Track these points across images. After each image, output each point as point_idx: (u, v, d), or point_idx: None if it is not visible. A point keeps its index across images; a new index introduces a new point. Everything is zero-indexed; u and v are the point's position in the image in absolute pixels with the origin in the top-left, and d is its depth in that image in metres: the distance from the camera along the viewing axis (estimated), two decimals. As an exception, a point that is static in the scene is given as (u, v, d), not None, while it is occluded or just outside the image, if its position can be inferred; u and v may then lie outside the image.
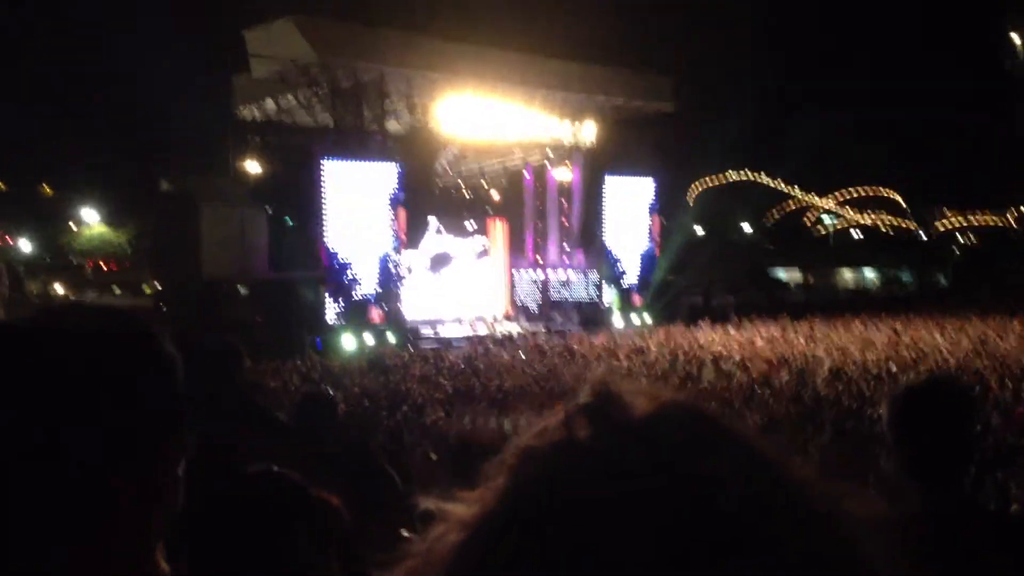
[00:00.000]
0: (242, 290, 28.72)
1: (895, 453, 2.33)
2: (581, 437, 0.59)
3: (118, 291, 43.99)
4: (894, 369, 17.59)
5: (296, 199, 27.86)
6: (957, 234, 71.33)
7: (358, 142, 27.88)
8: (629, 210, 34.89)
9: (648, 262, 35.61)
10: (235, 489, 1.64)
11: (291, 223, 29.13)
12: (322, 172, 26.43)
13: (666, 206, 39.02)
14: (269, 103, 29.99)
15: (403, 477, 5.12)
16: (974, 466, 2.46)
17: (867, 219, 73.30)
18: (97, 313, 1.18)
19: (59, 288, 44.55)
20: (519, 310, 33.85)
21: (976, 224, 69.21)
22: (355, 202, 27.05)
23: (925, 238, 71.23)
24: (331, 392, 5.83)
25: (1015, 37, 44.14)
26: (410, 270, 29.55)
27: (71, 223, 54.63)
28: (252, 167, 30.92)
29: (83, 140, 55.47)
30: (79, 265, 51.79)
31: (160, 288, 31.14)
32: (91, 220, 53.61)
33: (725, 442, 0.59)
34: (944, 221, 72.47)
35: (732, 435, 0.60)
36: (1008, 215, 66.20)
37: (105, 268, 51.76)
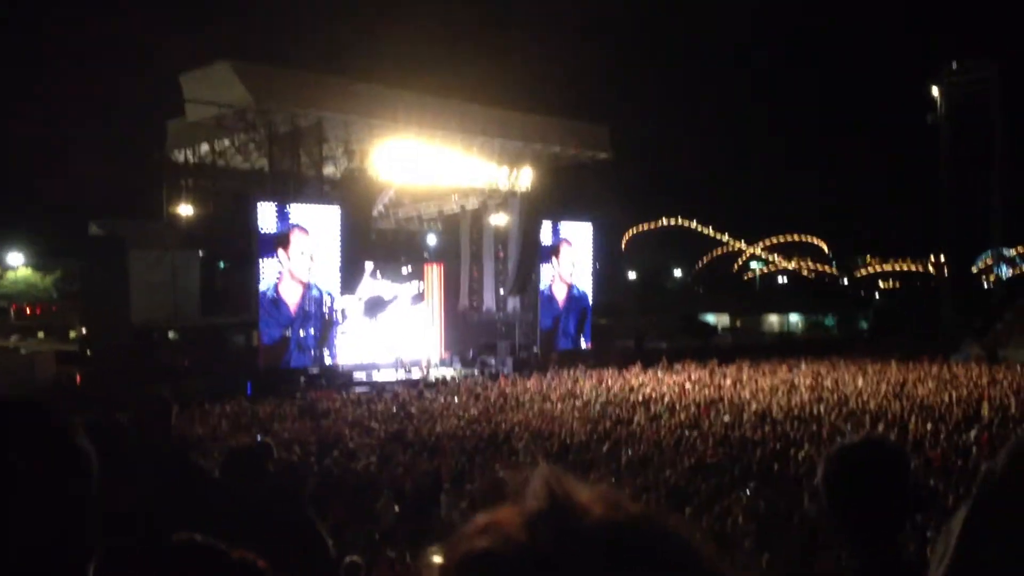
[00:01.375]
0: (172, 335, 28.37)
1: (830, 513, 2.26)
2: (540, 546, 0.58)
3: (42, 335, 42.96)
4: (818, 412, 18.13)
5: (229, 242, 27.71)
6: (879, 280, 73.33)
7: (294, 186, 27.86)
8: (565, 254, 35.35)
9: (582, 306, 36.04)
10: (157, 565, 1.67)
11: (223, 266, 28.98)
12: (257, 215, 26.27)
13: (601, 251, 39.62)
14: (204, 147, 29.87)
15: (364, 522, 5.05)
16: (909, 525, 2.44)
17: (792, 265, 75.03)
18: (15, 409, 1.17)
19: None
20: (453, 354, 33.91)
21: (896, 270, 71.27)
22: (292, 245, 26.89)
23: (847, 283, 73.05)
24: (261, 441, 5.75)
25: (935, 91, 45.88)
26: (345, 314, 29.48)
27: (-5, 266, 53.36)
28: (185, 211, 30.71)
29: (10, 181, 54.43)
30: (3, 309, 50.45)
31: (87, 333, 30.57)
32: (16, 263, 52.40)
33: (679, 557, 0.61)
34: (866, 267, 74.51)
35: (685, 552, 0.61)
36: (927, 262, 68.33)
37: (29, 312, 50.51)
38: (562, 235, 35.24)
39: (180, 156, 30.79)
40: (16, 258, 52.72)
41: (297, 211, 27.01)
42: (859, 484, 2.23)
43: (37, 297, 50.76)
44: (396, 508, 10.87)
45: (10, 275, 52.29)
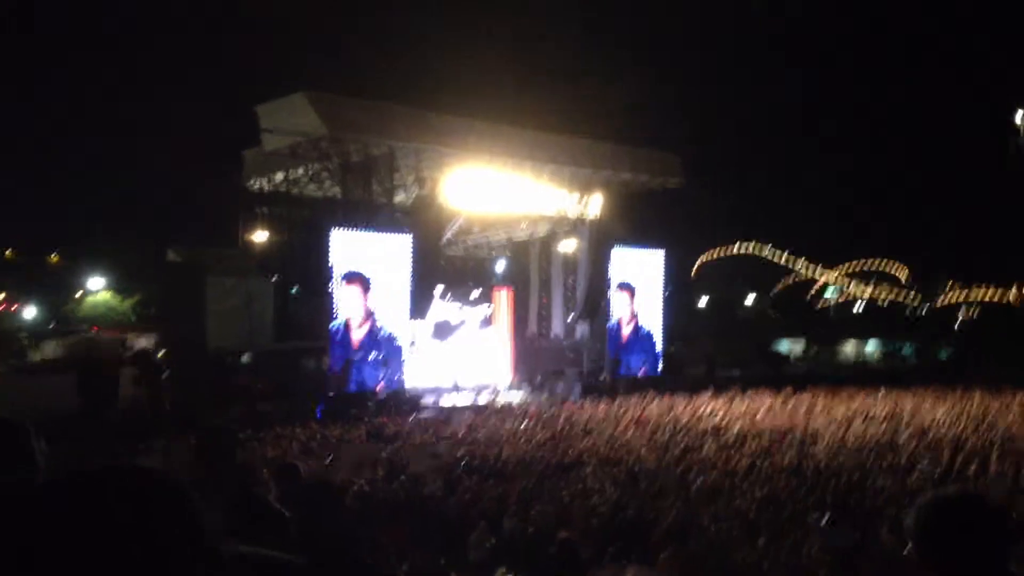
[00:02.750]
0: (245, 359, 28.87)
1: (921, 562, 2.25)
2: None
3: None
4: (895, 442, 17.64)
5: (302, 269, 28.19)
6: (961, 308, 71.39)
7: (367, 213, 28.23)
8: (635, 282, 35.18)
9: (653, 334, 35.79)
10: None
11: (297, 293, 29.44)
12: (330, 242, 26.67)
13: (672, 278, 39.32)
14: (279, 175, 30.48)
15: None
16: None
17: (870, 292, 73.46)
18: (132, 476, 1.28)
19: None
20: (521, 379, 33.92)
21: (978, 299, 69.30)
22: (363, 272, 27.25)
23: (926, 311, 71.28)
24: (328, 484, 5.57)
25: (1020, 115, 44.82)
26: (414, 340, 29.71)
27: (78, 291, 55.05)
28: (260, 238, 31.33)
29: (93, 209, 56.28)
30: (84, 331, 52.01)
31: (164, 356, 31.33)
32: (97, 288, 54.05)
33: None
34: (947, 294, 72.62)
35: None
36: (1010, 289, 66.34)
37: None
38: (633, 261, 35.04)
39: (256, 185, 31.47)
40: (97, 282, 54.39)
41: (367, 239, 27.30)
42: (953, 540, 2.21)
43: (116, 320, 52.22)
44: (492, 540, 10.79)
45: (90, 299, 53.96)
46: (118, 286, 53.93)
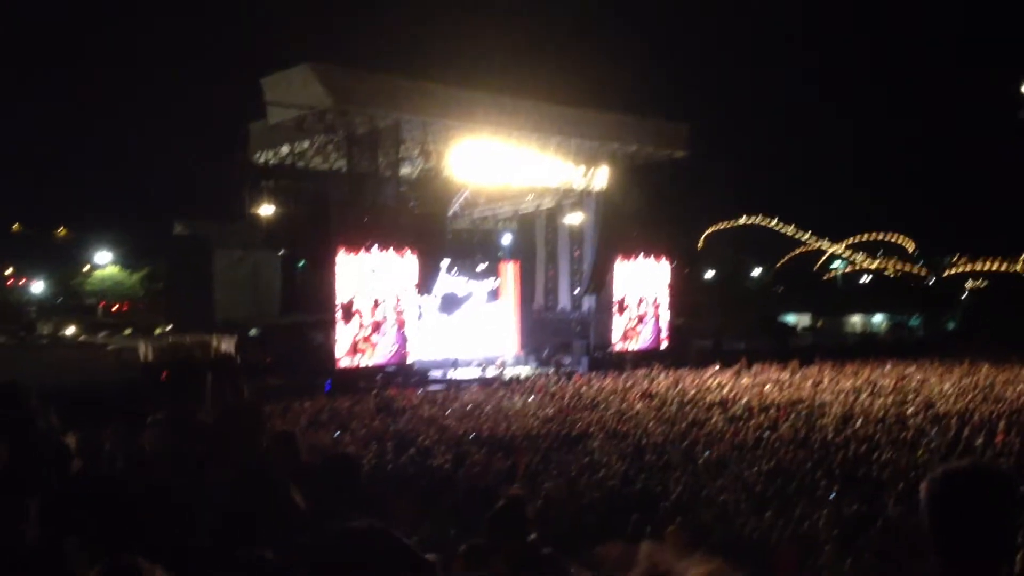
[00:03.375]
0: (253, 332, 28.95)
1: (931, 536, 2.24)
2: None
3: (128, 332, 44.31)
4: (902, 414, 17.67)
5: (309, 242, 28.16)
6: (967, 279, 71.26)
7: (372, 186, 28.15)
8: (642, 255, 35.18)
9: (660, 307, 35.81)
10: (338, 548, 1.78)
11: (303, 267, 29.45)
12: (336, 218, 26.69)
13: (679, 251, 39.26)
14: (284, 148, 30.38)
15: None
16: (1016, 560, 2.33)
17: (876, 264, 73.35)
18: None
19: (72, 329, 44.89)
20: (528, 352, 33.98)
21: (985, 269, 69.14)
22: (368, 248, 27.22)
23: (933, 283, 71.16)
24: (349, 458, 5.24)
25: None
26: (421, 313, 29.74)
27: (85, 265, 55.15)
28: (266, 211, 31.31)
29: (100, 184, 56.32)
30: (91, 306, 52.14)
31: (172, 330, 31.42)
32: (104, 262, 54.12)
33: None
34: (953, 266, 72.48)
35: None
36: (1018, 260, 66.16)
37: (116, 309, 52.07)
38: (640, 236, 34.97)
39: (261, 158, 31.37)
40: (104, 257, 54.50)
41: (373, 214, 27.27)
42: (965, 513, 2.21)
43: (124, 295, 52.37)
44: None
45: (98, 273, 54.09)
46: (125, 260, 54.00)
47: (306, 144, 29.75)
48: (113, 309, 51.91)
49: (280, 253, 29.85)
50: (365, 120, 27.73)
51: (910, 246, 75.91)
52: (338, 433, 16.08)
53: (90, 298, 52.80)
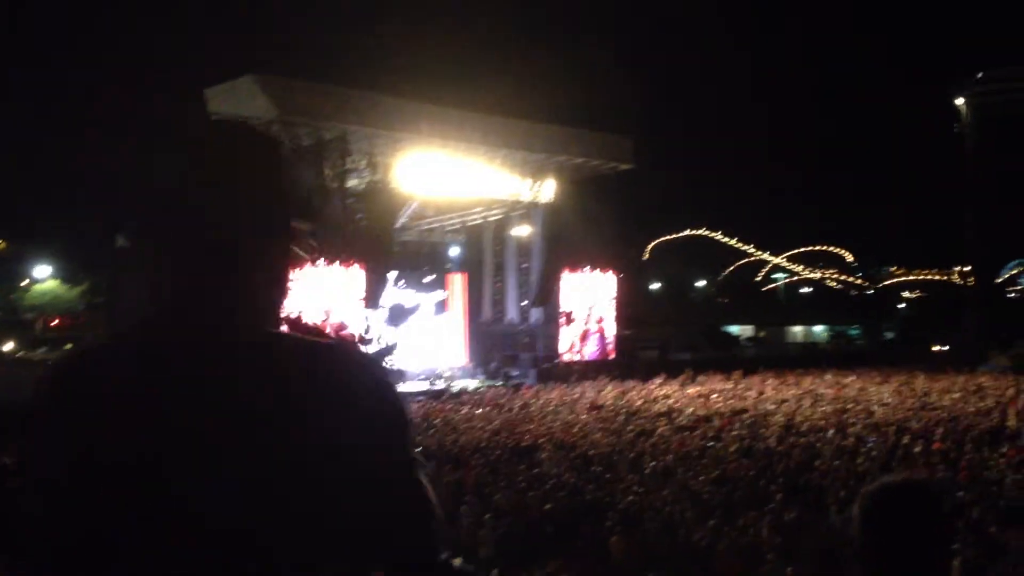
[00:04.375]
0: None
1: (862, 551, 2.22)
2: None
3: (69, 347, 43.50)
4: (843, 423, 18.04)
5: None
6: (904, 290, 72.86)
7: (318, 199, 28.00)
8: (588, 267, 35.41)
9: (606, 319, 36.07)
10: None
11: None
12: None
13: (625, 264, 39.61)
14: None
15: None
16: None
17: (817, 275, 74.65)
18: None
19: (9, 345, 43.88)
20: (476, 364, 34.00)
21: (921, 280, 70.76)
22: (315, 260, 27.06)
23: (871, 294, 72.58)
24: None
25: (960, 101, 45.73)
26: (368, 326, 29.61)
27: (24, 279, 53.85)
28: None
29: (40, 196, 55.09)
30: (30, 321, 50.94)
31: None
32: (44, 276, 52.90)
33: None
34: (891, 278, 74.03)
35: None
36: (953, 272, 67.82)
37: (56, 324, 50.93)
38: (586, 247, 35.21)
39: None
40: (44, 270, 53.32)
41: (320, 229, 27.16)
42: (895, 530, 2.21)
43: (64, 309, 51.23)
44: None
45: (37, 287, 52.89)
46: (65, 274, 52.86)
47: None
48: (52, 324, 50.80)
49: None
50: (311, 132, 27.60)
51: (849, 257, 77.44)
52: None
53: (28, 313, 51.60)
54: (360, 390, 1.47)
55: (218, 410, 1.38)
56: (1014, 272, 60.59)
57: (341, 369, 1.49)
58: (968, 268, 47.70)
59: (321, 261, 26.87)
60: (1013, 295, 61.47)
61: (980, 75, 46.34)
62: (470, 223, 36.60)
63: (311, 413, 1.40)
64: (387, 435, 1.48)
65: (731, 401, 22.53)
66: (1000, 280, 64.94)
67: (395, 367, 29.48)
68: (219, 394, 1.39)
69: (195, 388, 1.39)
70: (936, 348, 41.87)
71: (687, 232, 70.10)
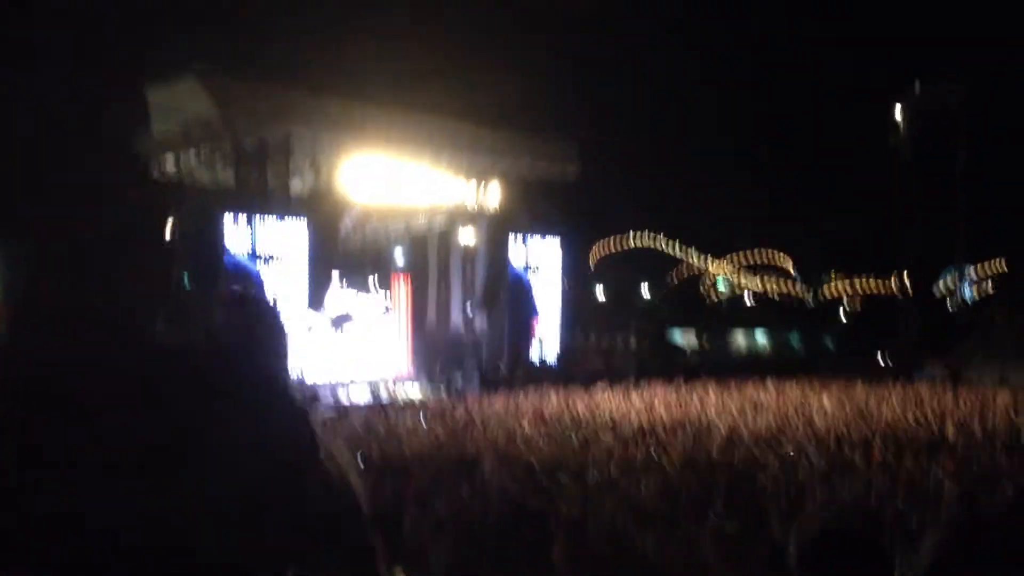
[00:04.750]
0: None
1: None
2: None
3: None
4: (784, 432, 18.14)
5: (193, 258, 27.41)
6: (844, 299, 73.92)
7: (261, 201, 27.63)
8: (533, 272, 35.40)
9: (551, 325, 36.09)
10: None
11: (187, 284, 28.58)
12: (223, 229, 26.14)
13: (569, 269, 39.65)
14: (168, 160, 29.53)
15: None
16: None
17: (759, 284, 75.43)
18: None
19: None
20: (420, 370, 33.75)
21: (860, 289, 71.86)
22: (257, 259, 26.77)
23: (812, 302, 73.54)
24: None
25: (898, 110, 46.59)
26: (311, 329, 29.24)
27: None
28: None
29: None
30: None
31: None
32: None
33: None
34: (831, 286, 75.08)
35: None
36: (891, 280, 69.09)
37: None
38: (531, 251, 35.25)
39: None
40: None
41: (262, 225, 26.87)
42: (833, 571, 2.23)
43: None
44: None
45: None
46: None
47: (191, 155, 29.00)
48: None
49: (163, 268, 28.96)
50: (253, 132, 27.19)
51: (789, 264, 78.35)
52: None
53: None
54: None
55: None
56: (951, 280, 61.82)
57: None
58: (905, 275, 48.57)
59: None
60: (949, 304, 62.76)
61: (918, 84, 47.29)
62: (415, 227, 36.35)
63: None
64: None
65: (674, 410, 22.57)
66: (938, 288, 66.26)
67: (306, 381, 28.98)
68: None
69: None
70: (875, 357, 42.49)
71: (632, 237, 70.43)
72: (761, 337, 62.66)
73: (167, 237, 1.60)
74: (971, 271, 59.14)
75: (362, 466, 15.03)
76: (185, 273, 28.77)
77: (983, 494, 12.24)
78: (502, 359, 33.95)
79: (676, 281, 75.72)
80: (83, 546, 1.28)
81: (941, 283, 66.64)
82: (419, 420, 21.32)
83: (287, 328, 1.42)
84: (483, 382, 31.51)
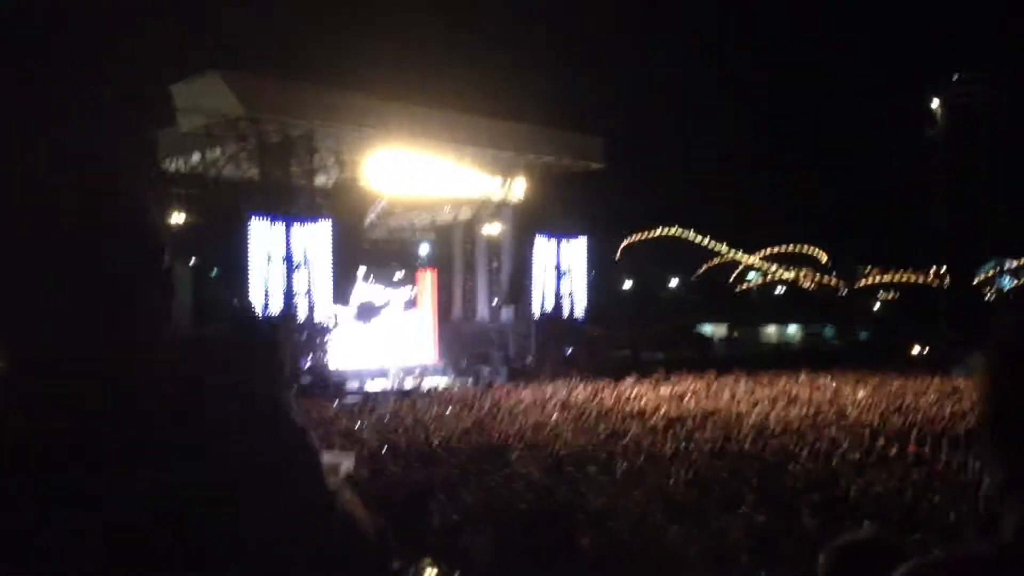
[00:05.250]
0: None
1: None
2: None
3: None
4: (816, 424, 17.87)
5: (222, 251, 27.54)
6: (879, 291, 73.15)
7: (285, 196, 27.61)
8: (560, 265, 35.20)
9: (577, 316, 35.87)
10: None
11: (216, 275, 28.74)
12: (249, 229, 26.20)
13: (596, 261, 39.42)
14: (195, 156, 29.65)
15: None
16: None
17: (791, 275, 74.86)
18: None
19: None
20: (447, 362, 33.71)
21: (897, 281, 71.08)
22: (284, 256, 26.80)
23: (846, 294, 72.85)
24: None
25: (935, 103, 45.90)
26: (337, 322, 29.24)
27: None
28: (176, 219, 30.49)
29: None
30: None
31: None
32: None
33: None
34: (866, 278, 74.35)
35: None
36: (928, 273, 68.26)
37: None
38: (557, 246, 35.03)
39: (171, 166, 30.56)
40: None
41: (289, 225, 26.88)
42: None
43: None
44: None
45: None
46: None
47: (217, 152, 29.06)
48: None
49: (191, 263, 29.03)
50: (277, 128, 27.19)
51: (823, 257, 77.68)
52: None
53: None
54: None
55: None
56: (991, 273, 60.85)
57: None
58: (943, 269, 47.87)
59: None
60: (989, 295, 61.83)
61: (956, 77, 46.58)
62: (440, 221, 36.31)
63: None
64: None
65: (704, 402, 22.31)
66: (977, 281, 65.43)
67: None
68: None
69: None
70: (912, 349, 41.91)
71: (660, 231, 70.11)
72: (793, 328, 62.10)
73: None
74: (1010, 264, 58.33)
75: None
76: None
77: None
78: (529, 351, 33.81)
79: (705, 273, 75.27)
80: None
81: (980, 275, 65.78)
82: (446, 410, 21.24)
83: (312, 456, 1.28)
84: (510, 373, 31.39)
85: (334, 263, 27.73)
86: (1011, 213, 47.18)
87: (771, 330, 60.95)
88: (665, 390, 25.04)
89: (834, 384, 26.14)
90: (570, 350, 34.99)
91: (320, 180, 29.98)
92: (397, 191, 30.24)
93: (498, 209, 34.40)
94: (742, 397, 23.03)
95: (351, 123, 28.18)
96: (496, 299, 35.67)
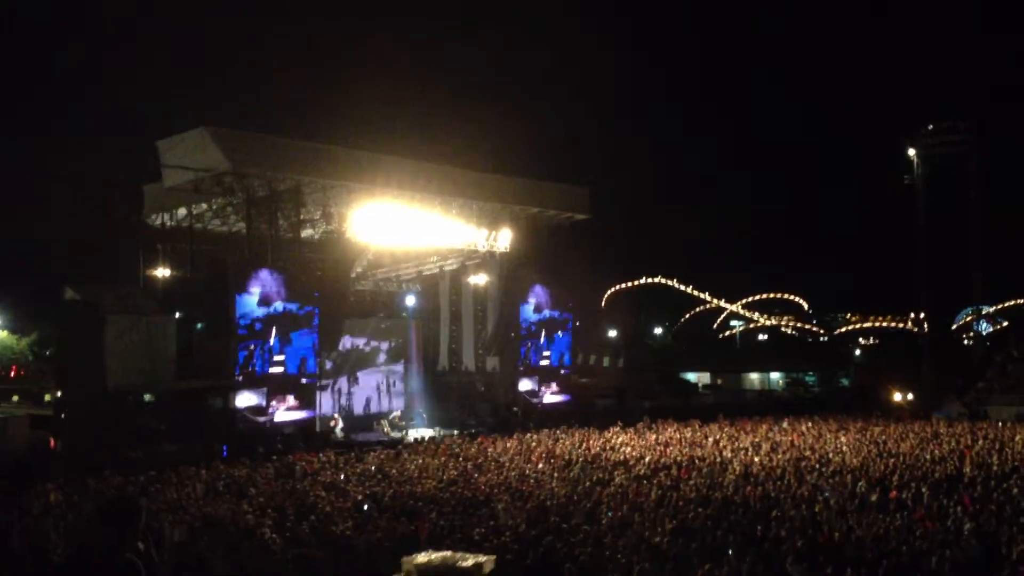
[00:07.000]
0: (148, 398, 27.99)
1: None
2: None
3: (16, 399, 42.39)
4: (800, 471, 18.00)
5: (208, 306, 27.56)
6: (859, 337, 73.50)
7: (272, 249, 27.74)
8: (545, 315, 35.43)
9: (564, 367, 36.02)
10: None
11: (202, 329, 28.73)
12: (238, 281, 26.38)
13: (581, 310, 39.63)
14: (181, 211, 29.79)
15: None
16: None
17: (772, 321, 75.14)
18: None
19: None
20: (432, 412, 33.68)
21: (876, 327, 71.45)
22: (269, 309, 26.89)
23: (827, 340, 73.13)
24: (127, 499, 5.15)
25: (911, 151, 46.57)
26: (323, 373, 29.33)
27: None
28: (162, 274, 30.60)
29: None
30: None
31: (61, 396, 30.15)
32: (-9, 326, 51.93)
33: None
34: (846, 324, 74.74)
35: None
36: (907, 319, 68.76)
37: (3, 375, 49.80)
38: (542, 296, 35.29)
39: (157, 220, 30.67)
40: (-9, 321, 52.26)
41: (276, 277, 27.03)
42: None
43: (12, 360, 50.18)
44: None
45: (-15, 337, 51.76)
46: (13, 324, 51.86)
47: (204, 206, 29.22)
48: (0, 375, 49.68)
49: (176, 316, 29.07)
50: (264, 183, 27.35)
51: (805, 305, 78.14)
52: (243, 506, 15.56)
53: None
54: None
55: None
56: (968, 319, 61.41)
57: None
58: (923, 315, 48.27)
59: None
60: (967, 341, 62.27)
61: (930, 127, 47.31)
62: (426, 272, 36.52)
63: None
64: None
65: (688, 449, 22.44)
66: (955, 327, 65.95)
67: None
68: None
69: None
70: (892, 395, 42.17)
71: (644, 280, 70.42)
72: (776, 376, 62.30)
73: None
74: (987, 310, 58.89)
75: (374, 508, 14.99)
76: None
77: (1002, 531, 12.12)
78: (514, 401, 33.84)
79: (689, 321, 75.52)
80: None
81: (958, 321, 66.28)
82: (432, 461, 21.24)
83: None
84: (496, 423, 31.39)
85: (320, 314, 27.88)
86: (988, 260, 47.93)
87: (754, 377, 61.12)
88: (650, 438, 25.17)
89: (816, 430, 26.34)
90: (556, 400, 35.11)
91: (307, 232, 30.17)
92: (384, 243, 30.42)
93: (484, 260, 34.65)
94: (726, 444, 23.18)
95: (338, 177, 28.39)
96: (482, 349, 35.81)
